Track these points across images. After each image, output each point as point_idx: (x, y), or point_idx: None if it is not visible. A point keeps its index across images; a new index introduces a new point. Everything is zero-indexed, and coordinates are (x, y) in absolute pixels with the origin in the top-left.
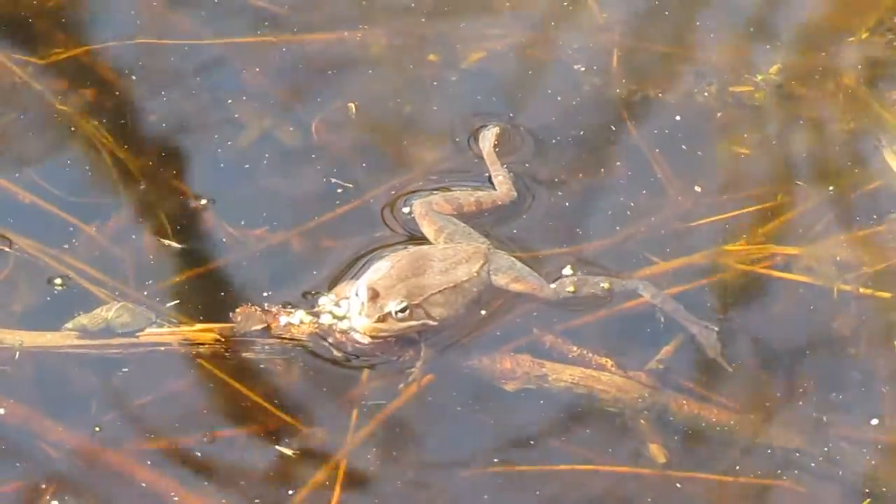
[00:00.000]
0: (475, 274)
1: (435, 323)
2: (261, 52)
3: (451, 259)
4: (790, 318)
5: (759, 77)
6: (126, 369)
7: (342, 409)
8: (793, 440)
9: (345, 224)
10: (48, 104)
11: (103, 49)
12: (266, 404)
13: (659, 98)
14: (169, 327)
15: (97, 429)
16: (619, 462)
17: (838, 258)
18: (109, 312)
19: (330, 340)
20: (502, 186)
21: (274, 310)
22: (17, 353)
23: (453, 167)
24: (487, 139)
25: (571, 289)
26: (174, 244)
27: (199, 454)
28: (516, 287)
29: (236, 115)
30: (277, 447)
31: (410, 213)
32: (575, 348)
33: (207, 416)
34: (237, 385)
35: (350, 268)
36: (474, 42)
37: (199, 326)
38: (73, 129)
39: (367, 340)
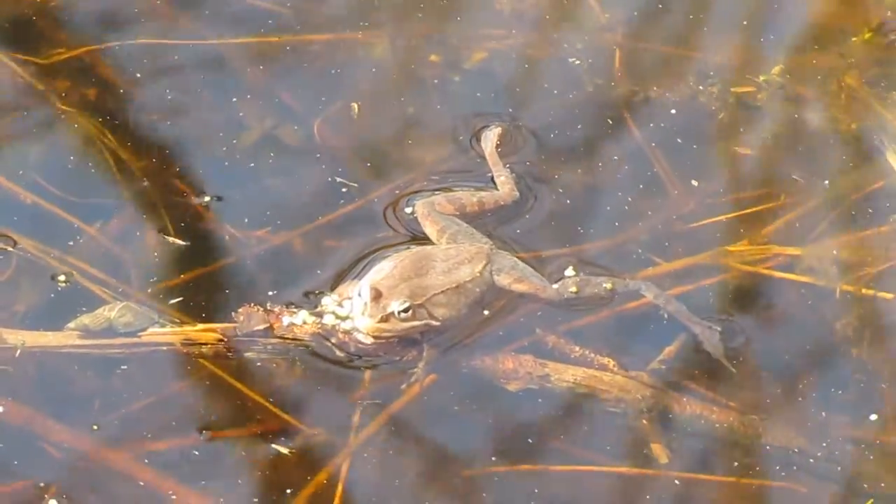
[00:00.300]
0: (478, 274)
1: (437, 323)
2: (263, 52)
3: (453, 259)
4: (792, 319)
5: (762, 77)
6: (128, 369)
7: (345, 409)
8: (795, 440)
9: (347, 224)
10: (50, 104)
11: (105, 49)
12: (268, 404)
13: (661, 98)
14: (171, 327)
15: (95, 427)
16: (622, 462)
17: (840, 259)
18: (112, 312)
19: (333, 341)
20: (504, 187)
21: (276, 310)
22: (19, 351)
23: (455, 167)
24: (489, 139)
25: (574, 289)
26: (179, 241)
27: (200, 454)
28: (519, 287)
29: (238, 116)
30: (279, 447)
31: (413, 213)
32: (577, 348)
33: (209, 416)
34: (239, 385)
35: (353, 268)
36: (476, 42)
37: (201, 326)
38: (75, 128)
39: (369, 341)
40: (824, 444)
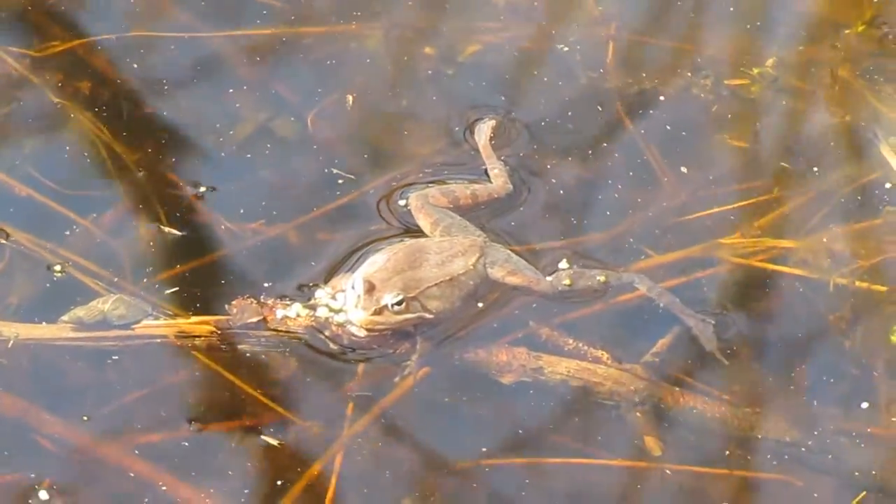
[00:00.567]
0: (471, 267)
1: (431, 316)
2: (257, 45)
3: (447, 252)
4: (786, 312)
5: (755, 70)
6: (122, 361)
7: (338, 401)
8: (789, 433)
9: (341, 217)
10: (44, 97)
11: (100, 41)
12: (261, 397)
13: (655, 91)
14: (165, 319)
15: (86, 418)
16: (615, 455)
17: (834, 251)
18: (106, 305)
19: (326, 333)
20: (498, 179)
21: (270, 302)
22: (11, 342)
23: (449, 160)
24: (483, 132)
25: (567, 282)
26: (174, 231)
27: (192, 446)
28: (512, 280)
29: (232, 108)
30: (268, 438)
31: (406, 205)
32: (571, 341)
33: (202, 408)
34: (232, 377)
35: (346, 260)
36: (470, 35)
37: (194, 319)
38: (69, 121)
39: (363, 333)
40: (817, 436)
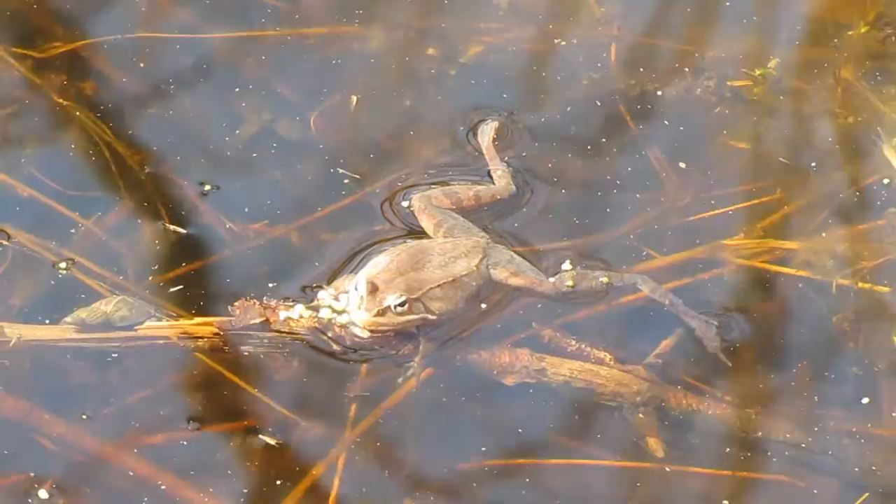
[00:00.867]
0: (474, 268)
1: (434, 317)
2: (260, 46)
3: (450, 253)
4: (789, 313)
5: (758, 71)
6: (124, 362)
7: (341, 403)
8: (791, 434)
9: (344, 218)
10: (47, 98)
11: (103, 42)
12: (264, 398)
13: (657, 92)
14: (167, 321)
15: (84, 416)
16: (618, 456)
17: (837, 252)
18: (108, 306)
19: (329, 334)
20: (501, 181)
21: (272, 303)
22: (13, 342)
23: (452, 161)
24: (486, 133)
25: (570, 283)
26: (179, 229)
27: (195, 447)
28: (515, 281)
29: (235, 109)
30: (266, 438)
31: (409, 207)
32: (574, 342)
33: (205, 409)
34: (235, 378)
35: (349, 262)
36: (473, 36)
37: (197, 320)
38: (71, 122)
39: (366, 334)
40: (821, 437)
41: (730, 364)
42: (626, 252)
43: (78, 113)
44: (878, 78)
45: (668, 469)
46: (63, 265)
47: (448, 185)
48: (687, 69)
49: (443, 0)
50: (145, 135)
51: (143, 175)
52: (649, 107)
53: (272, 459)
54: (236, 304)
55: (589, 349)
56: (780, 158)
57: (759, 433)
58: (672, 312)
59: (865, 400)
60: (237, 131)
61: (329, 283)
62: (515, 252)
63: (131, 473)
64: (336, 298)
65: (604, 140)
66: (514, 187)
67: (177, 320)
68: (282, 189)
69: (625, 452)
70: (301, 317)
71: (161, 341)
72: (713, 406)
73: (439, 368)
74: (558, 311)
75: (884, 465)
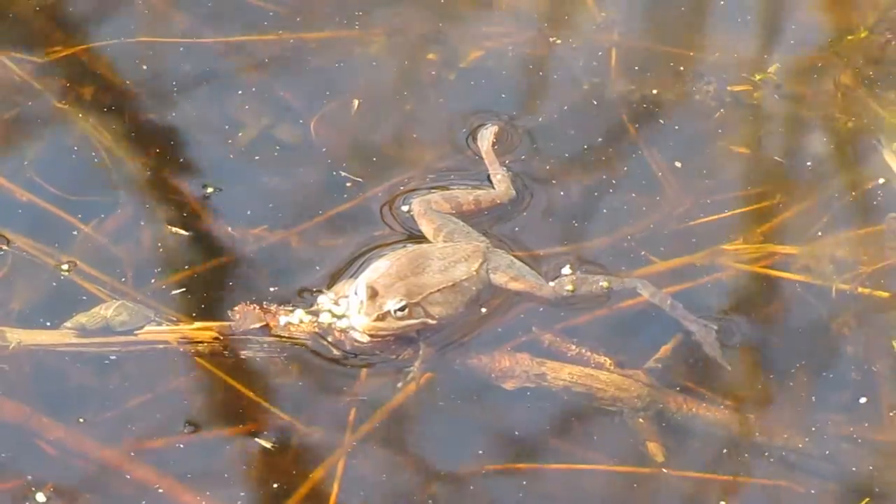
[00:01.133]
0: (474, 273)
1: (434, 321)
2: (260, 51)
3: (449, 258)
4: (788, 318)
5: (758, 76)
6: (124, 367)
7: (340, 407)
8: (791, 439)
9: (344, 222)
10: (47, 102)
11: (102, 47)
12: (264, 403)
13: (657, 97)
14: (167, 325)
15: (81, 420)
16: (618, 461)
17: (836, 257)
18: (108, 311)
19: (329, 339)
20: (501, 185)
21: (272, 308)
22: (13, 345)
23: (452, 166)
24: (486, 138)
25: (570, 287)
26: (181, 231)
27: (194, 452)
28: (515, 286)
29: (235, 114)
30: (262, 441)
31: (409, 211)
32: (574, 347)
33: (204, 414)
34: (235, 383)
35: (349, 266)
36: (473, 41)
37: (197, 325)
38: (72, 126)
39: (366, 339)
40: (820, 442)
41: (729, 368)
42: (625, 256)
43: (78, 117)
44: (878, 83)
45: (667, 473)
46: (65, 266)
47: (448, 189)
48: (687, 74)
49: (443, 5)
50: (145, 139)
51: (143, 180)
52: (649, 111)
53: (272, 464)
54: (236, 308)
55: (589, 354)
56: (780, 162)
57: (759, 437)
58: (672, 317)
59: (865, 405)
60: (238, 136)
61: (329, 287)
62: (515, 256)
63: (130, 478)
64: (336, 303)
65: (603, 145)
66: (513, 192)
67: (177, 325)
68: (282, 193)
69: (625, 457)
70: (301, 321)
71: (161, 346)
72: (713, 410)
73: (439, 373)
74: (558, 316)
75: (883, 469)
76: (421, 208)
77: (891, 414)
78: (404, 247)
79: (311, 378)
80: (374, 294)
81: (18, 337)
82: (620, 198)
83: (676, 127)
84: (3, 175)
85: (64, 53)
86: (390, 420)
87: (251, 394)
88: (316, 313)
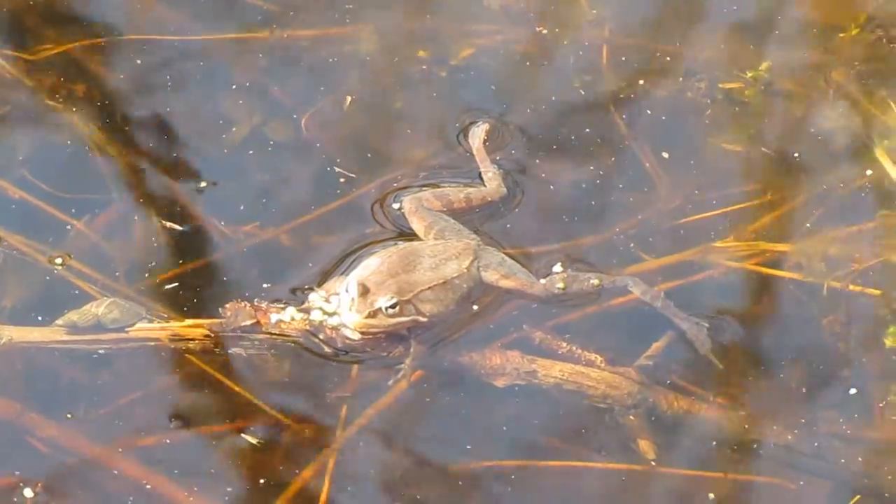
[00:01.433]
0: (465, 270)
1: (425, 319)
2: (251, 48)
3: (440, 255)
4: (780, 315)
5: (750, 74)
6: (115, 364)
7: (332, 404)
8: (782, 437)
9: (335, 220)
10: (38, 100)
11: (94, 45)
12: (255, 400)
13: (648, 94)
14: (159, 323)
15: (69, 416)
16: (609, 458)
17: (828, 255)
18: (100, 308)
19: (320, 336)
20: (492, 183)
21: (263, 306)
22: (3, 341)
23: (443, 163)
24: (477, 135)
25: (561, 285)
26: (176, 226)
27: (185, 449)
28: (506, 283)
29: (226, 111)
30: (257, 440)
31: (400, 209)
32: (565, 344)
33: (195, 411)
34: (226, 380)
35: (340, 264)
36: (464, 38)
37: (188, 322)
38: (63, 123)
39: (357, 336)
40: (811, 439)
41: (721, 366)
42: (616, 254)
43: (69, 115)
44: (870, 80)
45: (658, 471)
46: (59, 260)
47: (439, 187)
48: (678, 71)
49: (434, 2)
50: (136, 136)
51: (135, 177)
52: (640, 109)
53: (263, 461)
54: (227, 306)
55: (580, 351)
56: (771, 159)
57: (750, 435)
58: (663, 314)
59: (856, 402)
60: (228, 133)
61: (320, 285)
62: (506, 254)
63: (122, 476)
64: (327, 300)
65: (595, 142)
66: (504, 189)
67: (168, 322)
68: (273, 190)
69: (616, 454)
70: (292, 319)
71: (152, 343)
72: (704, 408)
73: (430, 370)
74: (549, 313)
75: (875, 466)
76: (412, 206)
77: (882, 410)
78: (395, 244)
79: (302, 375)
80: (365, 291)
81: (10, 334)
82: (611, 195)
83: (668, 124)
84: None
85: (56, 50)
86: (381, 417)
87: (242, 391)
88: (307, 310)
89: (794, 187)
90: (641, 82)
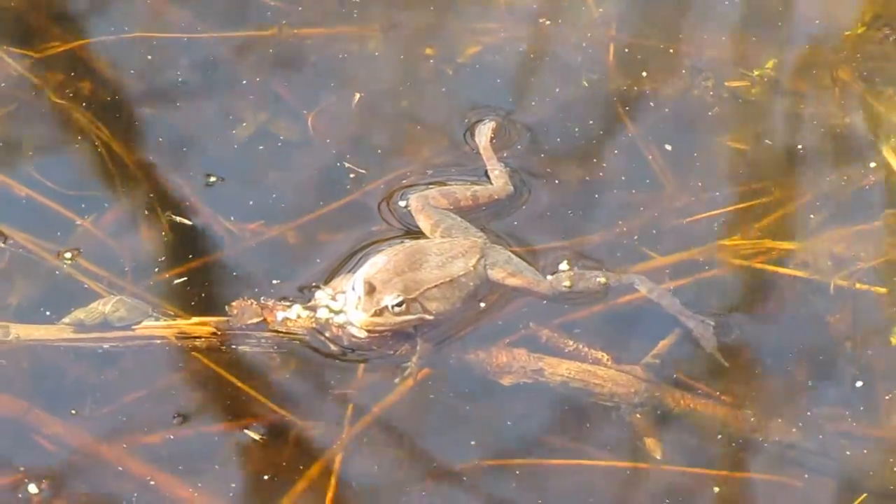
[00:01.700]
0: (471, 268)
1: (431, 317)
2: (258, 46)
3: (447, 253)
4: (786, 313)
5: (756, 72)
6: (121, 362)
7: (338, 402)
8: (789, 435)
9: (341, 218)
10: (45, 97)
11: (100, 42)
12: (261, 398)
13: (655, 92)
14: (165, 321)
15: (73, 412)
16: (615, 456)
17: (834, 253)
18: (106, 306)
19: (326, 334)
20: (499, 181)
21: (270, 304)
22: (11, 341)
23: (450, 161)
24: (484, 133)
25: (568, 283)
26: (185, 221)
27: (191, 447)
28: (513, 281)
29: (233, 109)
30: (259, 436)
31: (407, 207)
32: (571, 342)
33: (201, 409)
34: (232, 378)
35: (347, 262)
36: (471, 36)
37: (195, 320)
38: (69, 122)
39: (363, 335)
40: (818, 438)
41: (727, 364)
42: (623, 252)
43: (76, 113)
44: (876, 79)
45: (665, 469)
46: (68, 255)
47: (445, 184)
48: (685, 70)
49: (441, 0)
50: (143, 134)
51: (141, 175)
52: (647, 107)
53: (269, 459)
54: (234, 304)
55: (586, 349)
56: (777, 158)
57: (756, 433)
58: (669, 313)
59: (862, 400)
60: (236, 130)
61: (326, 283)
62: (513, 252)
63: (128, 473)
64: (333, 298)
65: (601, 140)
66: (511, 187)
67: (174, 320)
68: (280, 188)
69: (622, 453)
70: (298, 317)
71: (158, 341)
72: (710, 406)
73: (436, 368)
74: (556, 311)
75: (881, 465)
76: (418, 204)
77: (888, 408)
78: (402, 242)
79: (309, 373)
80: (371, 289)
81: (16, 331)
82: (618, 193)
83: (674, 122)
84: (1, 170)
85: (62, 49)
86: (388, 415)
87: (248, 388)
88: (313, 309)
89: (800, 185)
90: (647, 80)
